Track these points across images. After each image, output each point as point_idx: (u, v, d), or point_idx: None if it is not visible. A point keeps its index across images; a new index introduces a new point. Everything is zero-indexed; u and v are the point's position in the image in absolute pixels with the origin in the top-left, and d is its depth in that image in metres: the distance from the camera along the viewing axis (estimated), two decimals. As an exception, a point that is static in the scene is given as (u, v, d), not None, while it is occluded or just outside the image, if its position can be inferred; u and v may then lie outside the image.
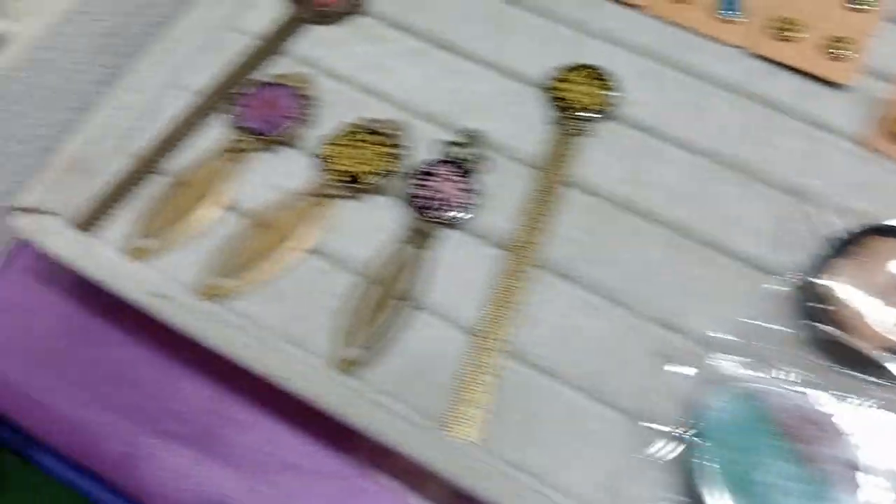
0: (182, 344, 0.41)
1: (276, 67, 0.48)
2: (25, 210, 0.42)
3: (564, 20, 0.49)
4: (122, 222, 0.43)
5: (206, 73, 0.47)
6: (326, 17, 0.49)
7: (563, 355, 0.40)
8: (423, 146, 0.45)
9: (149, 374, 0.44)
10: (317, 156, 0.45)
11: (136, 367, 0.44)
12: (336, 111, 0.46)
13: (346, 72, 0.48)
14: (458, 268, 0.42)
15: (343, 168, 0.44)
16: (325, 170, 0.44)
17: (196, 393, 0.43)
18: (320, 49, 0.49)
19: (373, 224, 0.43)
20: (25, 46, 0.42)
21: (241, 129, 0.45)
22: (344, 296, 0.41)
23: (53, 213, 0.42)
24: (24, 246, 0.47)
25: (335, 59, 0.48)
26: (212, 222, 0.43)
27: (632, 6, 0.50)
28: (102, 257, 0.41)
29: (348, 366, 0.39)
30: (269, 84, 0.47)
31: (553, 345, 0.40)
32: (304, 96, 0.46)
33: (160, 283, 0.40)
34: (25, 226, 0.42)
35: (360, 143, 0.45)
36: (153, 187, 0.44)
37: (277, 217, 0.43)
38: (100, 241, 0.42)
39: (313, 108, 0.46)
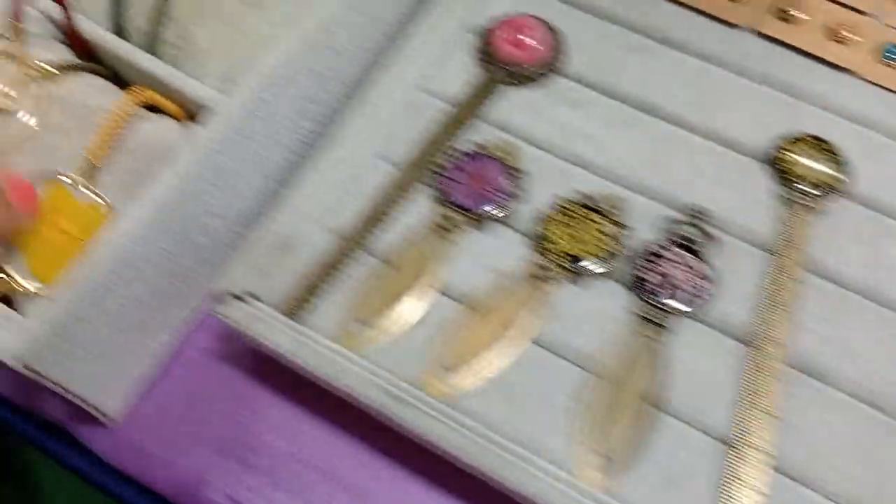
0: (392, 441, 0.39)
1: (476, 134, 0.45)
2: (231, 295, 0.39)
3: (775, 83, 0.46)
4: (331, 307, 0.41)
5: (405, 141, 0.44)
6: (521, 79, 0.46)
7: (829, 468, 0.37)
8: (644, 224, 0.42)
9: (356, 474, 0.41)
10: (531, 235, 0.42)
11: (341, 465, 0.41)
12: (544, 184, 0.43)
13: (550, 139, 0.45)
14: (697, 363, 0.39)
15: (562, 249, 0.41)
16: (541, 250, 0.41)
17: (415, 498, 0.40)
18: (519, 114, 0.45)
19: (598, 311, 0.40)
20: (230, 116, 0.39)
21: (448, 204, 0.42)
22: (576, 394, 0.39)
23: (258, 298, 0.39)
24: (202, 323, 0.45)
25: (536, 126, 0.45)
26: (425, 308, 0.40)
27: (844, 70, 0.47)
28: (319, 349, 0.38)
29: (594, 477, 0.36)
30: (474, 154, 0.44)
31: (816, 455, 0.37)
32: (511, 168, 0.43)
33: (386, 378, 0.37)
34: (231, 312, 0.39)
35: (577, 221, 0.42)
36: (359, 268, 0.41)
37: (495, 303, 0.40)
38: (312, 330, 0.39)
39: (522, 180, 0.43)
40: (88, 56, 0.44)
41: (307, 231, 0.42)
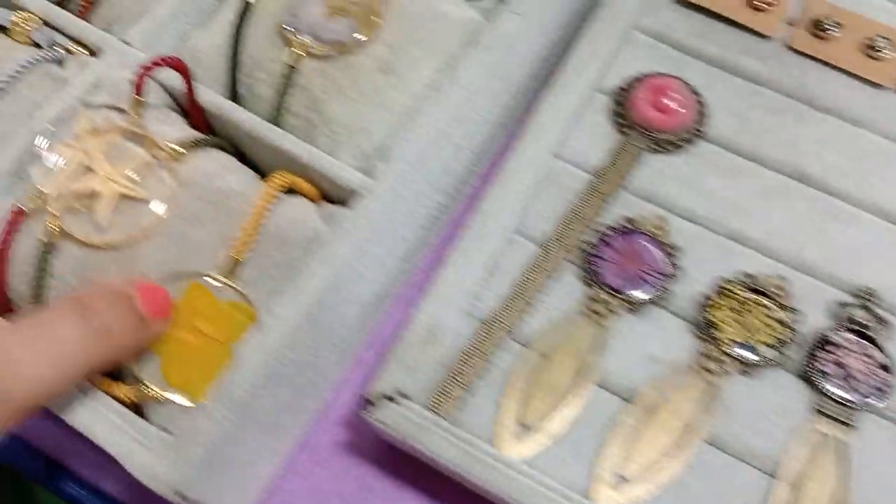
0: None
1: (620, 206, 0.42)
2: (383, 396, 0.36)
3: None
4: (481, 402, 0.38)
5: (544, 214, 0.41)
6: (664, 145, 0.43)
7: None
8: (811, 306, 0.39)
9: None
10: (692, 320, 0.39)
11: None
12: (700, 261, 0.40)
13: (701, 212, 0.42)
14: (883, 461, 0.36)
15: (728, 337, 0.38)
16: (706, 338, 0.38)
17: None
18: (665, 184, 0.42)
19: (772, 406, 0.38)
20: (380, 201, 0.36)
21: (598, 285, 0.39)
22: (758, 499, 0.36)
23: (408, 397, 0.36)
24: (327, 412, 0.41)
25: (685, 197, 0.42)
26: (583, 403, 0.37)
27: None
28: (482, 457, 0.35)
29: None
30: (622, 229, 0.40)
31: None
32: (664, 244, 0.40)
33: (559, 490, 0.34)
34: (385, 416, 0.36)
35: (743, 305, 0.39)
36: (508, 358, 0.38)
37: (660, 397, 0.37)
38: (463, 430, 0.36)
39: (676, 257, 0.40)
40: (205, 126, 0.40)
41: (451, 319, 0.39)
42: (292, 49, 0.39)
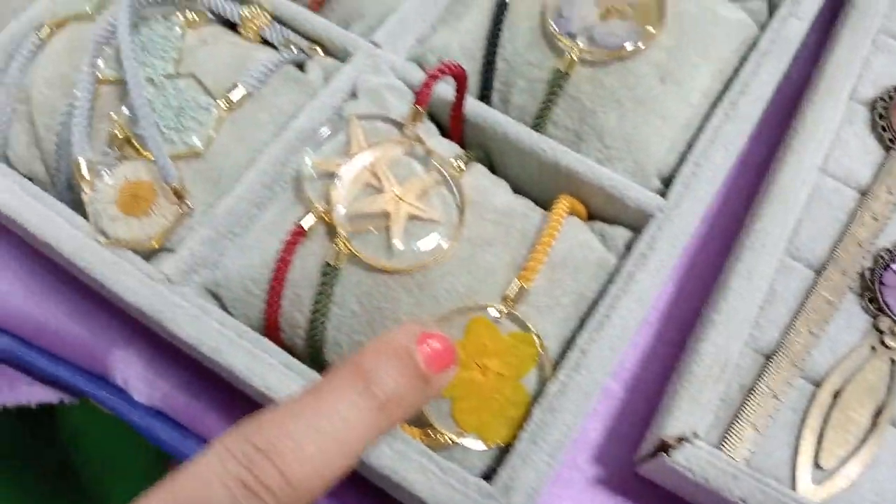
0: None
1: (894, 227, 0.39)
2: (679, 439, 0.33)
3: None
4: (771, 443, 0.35)
5: (815, 236, 0.38)
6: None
7: None
8: None
9: None
10: None
11: None
12: None
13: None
14: None
15: None
16: None
17: None
18: (939, 204, 0.39)
19: None
20: (680, 225, 0.33)
21: (886, 315, 0.36)
22: None
23: (697, 436, 0.34)
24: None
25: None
26: (880, 444, 0.35)
27: None
28: (790, 502, 0.32)
29: None
30: (903, 255, 0.38)
31: None
32: (951, 272, 0.37)
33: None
34: (684, 459, 0.33)
35: None
36: (793, 395, 0.36)
37: (963, 440, 0.35)
38: (762, 474, 0.33)
39: (964, 288, 0.37)
40: (459, 138, 0.37)
41: (733, 352, 0.36)
42: (566, 54, 0.36)
